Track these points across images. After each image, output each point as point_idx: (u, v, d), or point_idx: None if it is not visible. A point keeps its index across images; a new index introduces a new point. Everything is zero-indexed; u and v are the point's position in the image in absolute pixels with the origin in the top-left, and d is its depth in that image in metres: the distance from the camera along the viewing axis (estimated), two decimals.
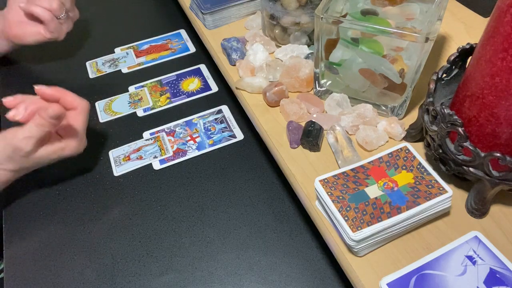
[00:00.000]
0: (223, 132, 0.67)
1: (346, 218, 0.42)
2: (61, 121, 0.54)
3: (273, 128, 0.56)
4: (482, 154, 0.40)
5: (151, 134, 0.68)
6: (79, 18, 0.93)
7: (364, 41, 0.51)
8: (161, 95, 0.74)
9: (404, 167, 0.46)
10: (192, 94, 0.74)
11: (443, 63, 0.50)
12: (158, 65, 0.79)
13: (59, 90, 0.58)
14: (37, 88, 0.57)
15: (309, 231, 0.55)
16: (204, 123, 0.69)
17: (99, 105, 0.73)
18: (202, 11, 0.69)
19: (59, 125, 0.54)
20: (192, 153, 0.64)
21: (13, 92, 0.76)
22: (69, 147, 0.57)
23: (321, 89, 0.58)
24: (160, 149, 0.65)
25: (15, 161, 0.54)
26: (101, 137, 0.68)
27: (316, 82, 0.58)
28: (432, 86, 0.46)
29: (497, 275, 0.39)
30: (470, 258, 0.41)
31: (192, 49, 0.82)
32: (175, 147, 0.65)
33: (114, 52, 0.83)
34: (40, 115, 0.51)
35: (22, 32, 0.70)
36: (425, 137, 0.48)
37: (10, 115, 0.55)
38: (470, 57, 0.45)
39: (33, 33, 0.70)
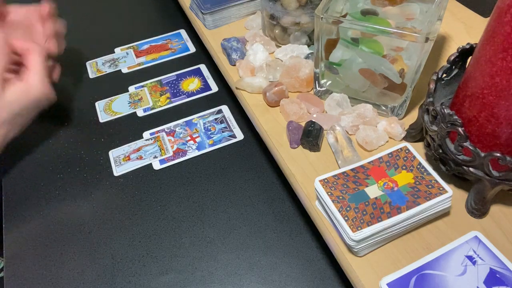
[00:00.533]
0: (223, 132, 0.67)
1: (346, 218, 0.42)
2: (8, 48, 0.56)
3: (273, 128, 0.56)
4: (482, 154, 0.40)
5: (151, 134, 0.68)
6: (79, 18, 0.93)
7: (364, 41, 0.51)
8: (161, 95, 0.74)
9: (404, 167, 0.46)
10: (192, 94, 0.74)
11: (443, 63, 0.50)
12: (158, 65, 0.79)
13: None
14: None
15: (309, 231, 0.55)
16: (204, 123, 0.69)
17: (99, 105, 0.73)
18: (202, 11, 0.69)
19: (12, 59, 0.56)
20: (192, 153, 0.64)
21: None
22: (33, 88, 0.57)
23: (321, 89, 0.58)
24: (160, 149, 0.65)
25: None
26: (101, 137, 0.68)
27: (316, 82, 0.58)
28: (432, 86, 0.46)
29: (497, 275, 0.39)
30: (470, 258, 0.41)
31: (192, 49, 0.82)
32: (175, 147, 0.65)
33: (114, 52, 0.83)
34: None
35: None
36: (425, 137, 0.48)
37: None
38: (470, 57, 0.46)
39: None
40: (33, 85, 0.58)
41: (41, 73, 0.59)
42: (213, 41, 0.69)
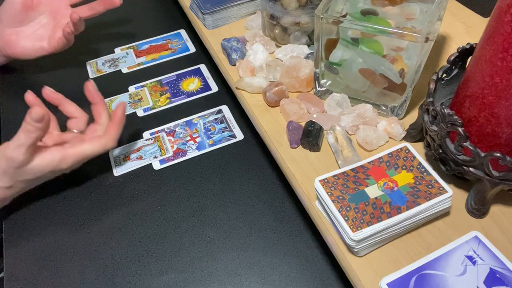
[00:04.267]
0: (223, 132, 0.67)
1: (346, 218, 0.42)
2: (48, 125, 0.52)
3: (273, 128, 0.56)
4: (482, 154, 0.40)
5: (151, 134, 0.68)
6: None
7: (364, 41, 0.51)
8: (161, 95, 0.74)
9: (404, 167, 0.46)
10: (192, 94, 0.74)
11: (443, 63, 0.50)
12: (158, 65, 0.79)
13: (61, 97, 0.59)
14: (44, 89, 0.58)
15: (309, 231, 0.55)
16: (204, 123, 0.69)
17: None
18: (202, 11, 0.69)
19: (46, 130, 0.53)
20: (192, 153, 0.64)
21: (13, 92, 0.76)
22: (65, 162, 0.54)
23: (321, 89, 0.58)
24: (160, 149, 0.65)
25: (9, 175, 0.52)
26: None
27: (316, 82, 0.58)
28: (432, 86, 0.46)
29: (497, 275, 0.39)
30: (470, 258, 0.41)
31: (192, 49, 0.82)
32: (175, 147, 0.65)
33: (114, 52, 0.83)
34: (25, 120, 0.50)
35: (23, 50, 0.69)
36: (425, 137, 0.48)
37: None
38: (470, 57, 0.46)
39: (36, 50, 0.70)
40: (66, 160, 0.54)
41: (81, 155, 0.55)
42: (213, 41, 0.69)
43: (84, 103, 0.73)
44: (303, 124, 0.55)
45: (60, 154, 0.54)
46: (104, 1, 0.70)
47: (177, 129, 0.68)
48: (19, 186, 0.55)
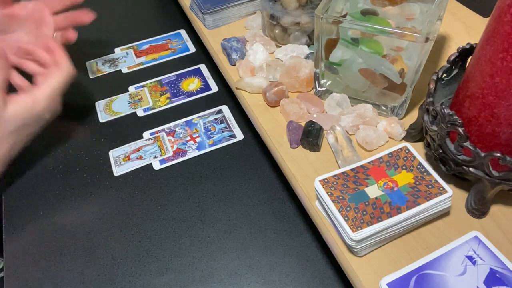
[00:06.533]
0: (223, 132, 0.67)
1: (346, 218, 0.42)
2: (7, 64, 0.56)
3: (273, 128, 0.56)
4: (482, 154, 0.40)
5: (151, 134, 0.68)
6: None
7: (364, 41, 0.51)
8: (161, 95, 0.74)
9: (404, 167, 0.46)
10: (192, 94, 0.74)
11: (443, 63, 0.50)
12: (158, 65, 0.79)
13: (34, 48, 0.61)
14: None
15: (309, 231, 0.55)
16: (204, 123, 0.69)
17: (99, 105, 0.73)
18: (202, 11, 0.69)
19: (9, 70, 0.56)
20: (192, 153, 0.64)
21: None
22: (38, 103, 0.57)
23: (321, 89, 0.58)
24: (160, 149, 0.65)
25: None
26: (101, 137, 0.68)
27: (316, 82, 0.58)
28: (432, 86, 0.46)
29: (497, 275, 0.39)
30: (470, 258, 0.41)
31: (192, 49, 0.82)
32: (175, 147, 0.65)
33: (114, 52, 0.83)
34: None
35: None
36: (425, 137, 0.48)
37: None
38: (470, 57, 0.46)
39: None
40: (39, 102, 0.57)
41: (48, 92, 0.58)
42: (213, 41, 0.69)
43: (84, 103, 0.73)
44: (303, 124, 0.55)
45: (30, 97, 0.57)
46: (74, 17, 0.68)
47: (177, 129, 0.68)
48: (7, 144, 0.56)
